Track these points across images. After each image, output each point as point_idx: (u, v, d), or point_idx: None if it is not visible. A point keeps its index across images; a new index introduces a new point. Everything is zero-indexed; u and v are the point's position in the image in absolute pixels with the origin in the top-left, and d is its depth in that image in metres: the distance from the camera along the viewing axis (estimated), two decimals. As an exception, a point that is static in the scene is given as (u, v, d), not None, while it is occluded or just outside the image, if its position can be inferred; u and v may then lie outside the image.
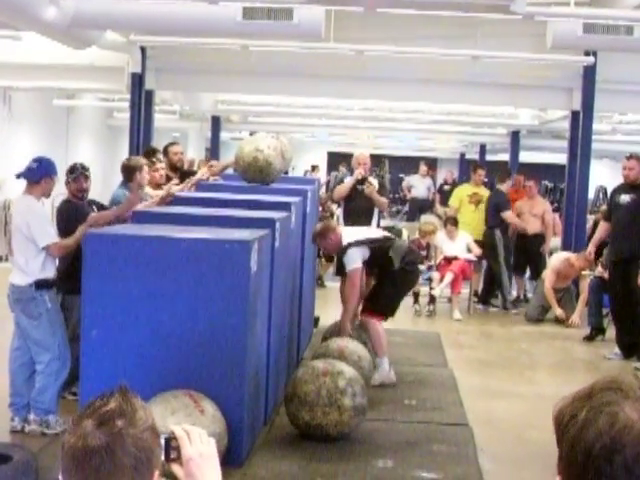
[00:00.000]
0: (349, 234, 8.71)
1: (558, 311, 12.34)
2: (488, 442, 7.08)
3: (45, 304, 6.86)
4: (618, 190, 10.53)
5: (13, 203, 7.52)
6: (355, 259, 8.53)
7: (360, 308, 8.87)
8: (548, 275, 12.50)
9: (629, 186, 10.25)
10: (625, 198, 10.23)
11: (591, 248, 11.13)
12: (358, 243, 8.56)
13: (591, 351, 10.81)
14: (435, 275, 12.91)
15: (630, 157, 10.31)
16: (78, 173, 7.55)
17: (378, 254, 8.58)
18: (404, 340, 10.71)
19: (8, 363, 7.09)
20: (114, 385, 2.02)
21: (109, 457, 1.87)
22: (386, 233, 9.18)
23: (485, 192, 14.39)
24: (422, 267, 12.92)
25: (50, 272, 6.95)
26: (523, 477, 6.48)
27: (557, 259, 12.73)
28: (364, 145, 30.12)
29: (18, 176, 7.09)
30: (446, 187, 19.70)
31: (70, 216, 7.41)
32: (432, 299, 12.84)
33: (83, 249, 6.12)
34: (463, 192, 14.49)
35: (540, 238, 13.78)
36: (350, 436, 6.81)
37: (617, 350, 10.37)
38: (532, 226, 13.83)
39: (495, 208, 13.49)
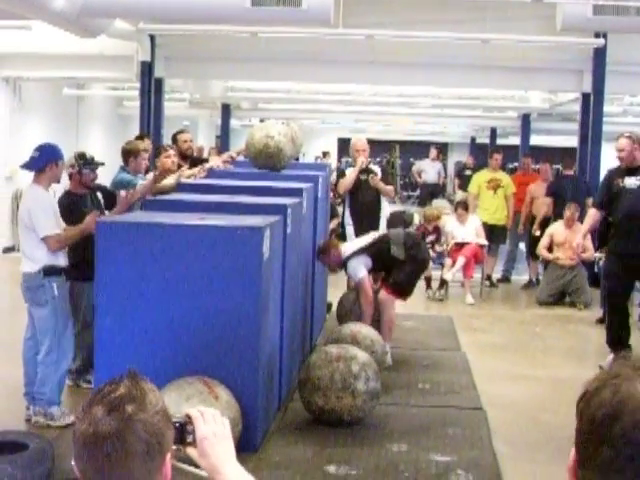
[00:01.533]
0: (348, 248, 8.78)
1: (551, 256, 12.71)
2: (502, 425, 7.08)
3: (52, 291, 6.80)
4: (617, 173, 8.97)
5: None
6: (358, 270, 8.59)
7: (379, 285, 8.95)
8: (542, 239, 12.86)
9: (629, 169, 8.82)
10: (633, 182, 8.78)
11: (580, 240, 9.76)
12: (356, 253, 8.61)
13: (604, 334, 10.75)
14: (447, 260, 12.90)
15: (621, 136, 8.96)
16: (95, 166, 7.64)
17: (381, 256, 8.62)
18: (417, 325, 10.72)
19: (22, 352, 7.10)
20: (127, 372, 2.02)
21: (120, 443, 1.87)
22: (378, 233, 9.10)
23: (503, 176, 14.37)
24: (432, 254, 12.93)
25: (60, 259, 6.91)
26: (537, 460, 6.48)
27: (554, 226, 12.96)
28: (374, 130, 30.13)
29: (22, 167, 7.11)
30: (467, 172, 19.65)
31: (72, 209, 7.40)
32: (444, 283, 12.84)
33: (95, 237, 6.14)
34: (481, 178, 14.45)
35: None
36: (364, 421, 6.82)
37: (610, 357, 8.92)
38: (546, 209, 13.78)
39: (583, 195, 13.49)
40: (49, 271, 6.82)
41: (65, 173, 7.50)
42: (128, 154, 8.44)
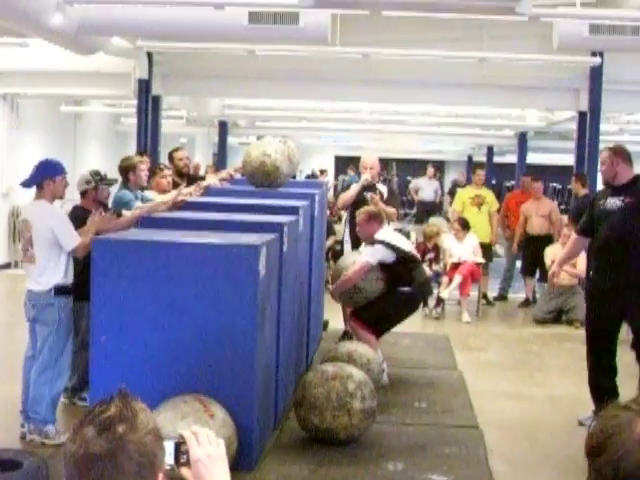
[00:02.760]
0: (389, 235, 8.64)
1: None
2: (498, 444, 7.06)
3: (59, 311, 6.77)
4: (601, 194, 7.66)
5: (26, 209, 7.45)
6: (375, 256, 8.39)
7: (351, 312, 8.87)
8: (548, 260, 12.45)
9: (611, 188, 7.42)
10: (614, 202, 7.33)
11: (556, 268, 8.26)
12: (390, 246, 8.44)
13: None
14: (444, 278, 12.89)
15: (604, 149, 7.75)
16: (110, 183, 7.81)
17: (402, 266, 8.46)
18: (413, 343, 10.70)
19: (22, 370, 7.05)
20: (124, 391, 2.01)
21: (112, 464, 1.86)
22: (415, 253, 9.03)
23: (487, 193, 14.36)
24: (429, 272, 12.88)
25: (69, 277, 6.86)
26: (534, 478, 6.46)
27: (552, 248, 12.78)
28: (370, 148, 30.13)
29: (21, 184, 7.09)
30: (459, 189, 19.73)
31: (78, 223, 7.36)
32: (441, 301, 12.82)
33: (92, 255, 6.12)
34: (465, 195, 14.46)
35: (548, 239, 13.63)
36: (360, 439, 6.80)
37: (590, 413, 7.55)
38: (539, 227, 13.76)
39: None
40: (60, 290, 6.78)
41: (76, 190, 7.58)
42: (126, 171, 8.39)
